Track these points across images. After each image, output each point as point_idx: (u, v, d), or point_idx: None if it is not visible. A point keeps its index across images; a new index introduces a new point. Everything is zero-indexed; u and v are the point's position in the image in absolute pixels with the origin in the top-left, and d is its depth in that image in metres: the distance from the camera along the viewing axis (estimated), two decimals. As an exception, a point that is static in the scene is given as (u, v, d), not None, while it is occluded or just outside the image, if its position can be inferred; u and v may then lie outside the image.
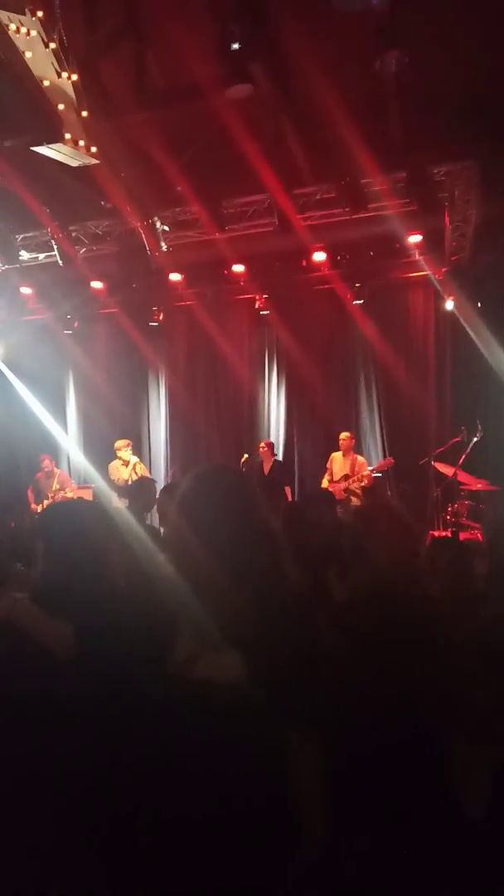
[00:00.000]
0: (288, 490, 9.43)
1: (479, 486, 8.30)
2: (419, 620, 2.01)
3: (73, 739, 1.81)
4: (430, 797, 1.99)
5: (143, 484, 5.72)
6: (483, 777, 1.95)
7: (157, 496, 5.21)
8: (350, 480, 8.81)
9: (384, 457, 10.03)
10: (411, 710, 1.93)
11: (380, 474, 9.31)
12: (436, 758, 2.01)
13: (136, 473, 8.83)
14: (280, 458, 10.14)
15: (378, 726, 1.95)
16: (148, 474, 8.96)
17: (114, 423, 11.10)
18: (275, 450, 9.86)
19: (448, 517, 8.27)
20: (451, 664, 1.99)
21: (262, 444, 9.69)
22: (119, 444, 9.15)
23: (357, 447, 9.66)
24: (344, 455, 9.04)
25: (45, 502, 9.42)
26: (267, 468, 9.44)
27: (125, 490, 8.50)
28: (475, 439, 8.38)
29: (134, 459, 9.03)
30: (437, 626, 2.05)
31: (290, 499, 9.38)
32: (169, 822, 1.51)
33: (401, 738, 1.94)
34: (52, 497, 9.44)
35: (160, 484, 6.97)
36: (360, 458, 9.15)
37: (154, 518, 5.97)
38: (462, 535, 7.60)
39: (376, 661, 1.99)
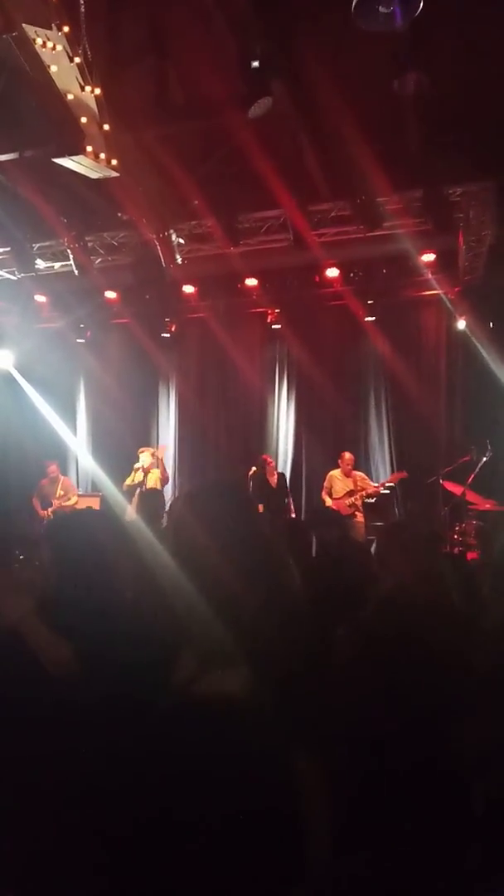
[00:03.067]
0: (291, 503, 9.45)
1: (488, 506, 8.27)
2: (436, 636, 2.01)
3: (78, 752, 1.81)
4: (442, 816, 1.97)
5: (149, 495, 5.73)
6: (500, 795, 1.93)
7: (164, 507, 5.22)
8: (356, 496, 8.82)
9: (392, 471, 10.03)
10: (425, 727, 1.92)
11: (388, 491, 9.30)
12: (450, 776, 2.00)
13: (142, 476, 8.85)
14: (288, 469, 10.19)
15: (389, 742, 1.94)
16: (158, 482, 8.93)
17: (123, 432, 11.14)
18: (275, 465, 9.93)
19: (456, 536, 8.23)
20: (470, 681, 1.98)
21: (268, 458, 9.73)
22: (140, 451, 9.20)
23: (365, 463, 9.67)
24: (345, 475, 9.04)
25: (50, 509, 9.47)
26: (273, 482, 9.48)
27: (128, 493, 8.60)
28: (484, 459, 8.35)
29: (144, 464, 9.01)
30: (455, 641, 2.05)
31: (293, 511, 9.42)
32: (173, 836, 1.51)
33: (414, 755, 1.93)
34: (57, 503, 9.48)
35: (167, 493, 6.99)
36: (359, 473, 9.16)
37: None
38: (469, 555, 7.56)
39: (390, 677, 1.98)
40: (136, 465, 9.00)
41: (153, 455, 9.13)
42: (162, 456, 9.23)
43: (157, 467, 9.04)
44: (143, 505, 5.35)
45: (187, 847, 1.48)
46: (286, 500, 9.32)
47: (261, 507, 8.74)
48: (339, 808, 1.65)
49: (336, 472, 9.12)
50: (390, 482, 9.22)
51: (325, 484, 9.19)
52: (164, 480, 9.15)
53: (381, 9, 4.37)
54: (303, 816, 1.52)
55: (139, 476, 8.88)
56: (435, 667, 1.98)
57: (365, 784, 1.93)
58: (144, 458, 9.02)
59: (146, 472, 8.91)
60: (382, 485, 9.07)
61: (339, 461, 9.12)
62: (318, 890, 1.54)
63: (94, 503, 9.69)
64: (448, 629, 2.09)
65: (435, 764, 1.94)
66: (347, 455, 9.12)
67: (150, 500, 5.40)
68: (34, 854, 1.84)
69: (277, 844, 1.49)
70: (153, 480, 8.96)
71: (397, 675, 1.91)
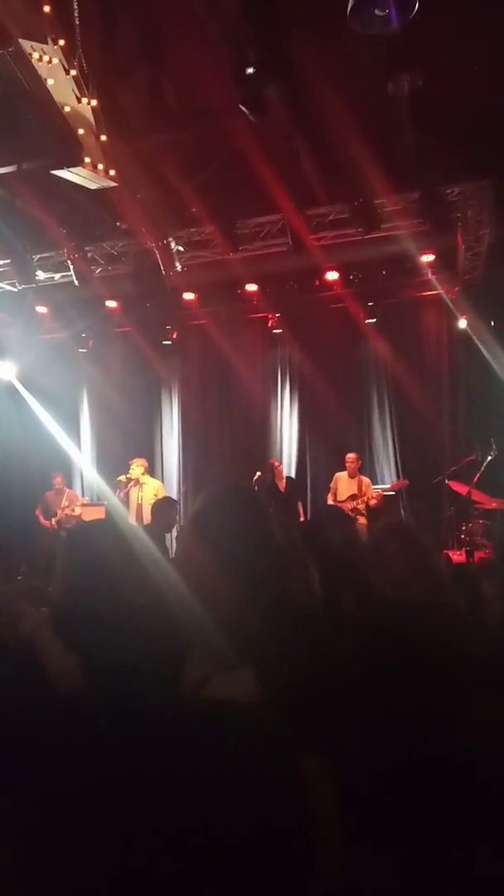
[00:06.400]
0: (301, 506, 9.44)
1: (494, 505, 8.25)
2: (442, 638, 2.00)
3: (84, 760, 1.81)
4: (450, 820, 1.97)
5: (167, 504, 5.73)
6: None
7: (177, 516, 5.22)
8: (358, 501, 8.80)
9: (397, 475, 10.02)
10: (431, 731, 1.91)
11: (392, 493, 9.29)
12: (458, 779, 1.99)
13: (127, 485, 8.93)
14: (293, 475, 10.15)
15: (396, 746, 1.94)
16: (159, 492, 8.96)
17: (127, 441, 11.17)
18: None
19: (462, 536, 8.22)
20: (476, 683, 1.97)
21: (276, 463, 9.74)
22: (131, 461, 9.26)
23: (370, 465, 9.66)
24: (350, 476, 9.03)
25: (54, 519, 9.50)
26: (282, 486, 9.48)
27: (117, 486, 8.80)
28: (489, 458, 8.34)
29: (134, 474, 9.06)
30: (462, 644, 2.04)
31: (302, 514, 9.39)
32: (180, 844, 1.50)
33: (420, 759, 1.92)
34: (62, 513, 9.50)
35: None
36: (365, 479, 9.14)
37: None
38: (477, 555, 7.55)
39: (395, 679, 1.98)
40: (127, 475, 9.09)
41: (133, 463, 9.19)
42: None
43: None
44: (159, 513, 5.34)
45: (196, 858, 1.47)
46: (296, 505, 9.28)
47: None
48: (350, 813, 1.65)
49: (342, 474, 9.11)
50: (391, 491, 9.20)
51: (331, 485, 9.18)
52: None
53: (376, 12, 4.38)
54: (313, 825, 1.51)
55: (125, 480, 8.99)
56: (437, 667, 1.98)
57: (374, 788, 1.93)
58: (135, 468, 9.08)
59: (139, 482, 8.96)
60: (382, 493, 9.05)
61: (345, 461, 9.11)
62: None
63: (99, 513, 9.71)
64: (449, 630, 2.08)
65: (443, 765, 1.94)
66: (350, 455, 9.11)
67: (165, 509, 5.40)
68: (42, 869, 1.84)
69: (287, 854, 1.48)
70: (153, 490, 8.97)
71: (400, 678, 1.91)
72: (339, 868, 1.54)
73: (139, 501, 8.92)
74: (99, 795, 1.75)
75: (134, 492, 9.06)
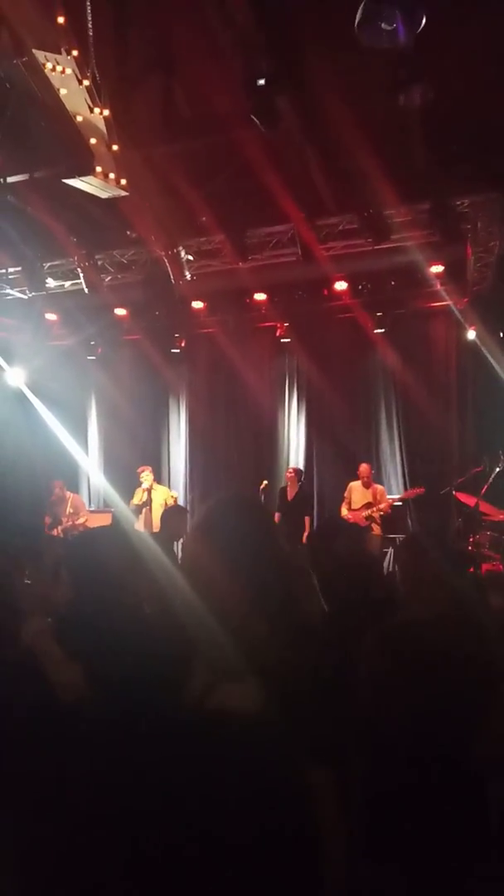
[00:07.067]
0: (307, 520, 9.39)
1: (502, 517, 8.21)
2: (454, 650, 1.99)
3: (90, 767, 1.80)
4: (457, 829, 1.95)
5: (175, 512, 5.71)
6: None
7: (187, 524, 5.20)
8: (373, 509, 8.80)
9: (404, 485, 10.00)
10: (439, 740, 1.90)
11: (399, 503, 9.27)
12: (465, 791, 1.97)
13: (147, 497, 8.86)
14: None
15: (404, 756, 1.92)
16: (169, 500, 8.95)
17: (134, 448, 11.18)
18: (301, 477, 9.83)
19: (470, 548, 8.17)
20: (487, 695, 1.96)
21: (290, 470, 9.72)
22: (139, 469, 9.23)
23: (377, 475, 9.63)
24: (364, 486, 9.03)
25: (59, 527, 9.47)
26: (291, 494, 9.45)
27: (135, 512, 8.67)
28: (497, 469, 8.30)
29: (145, 485, 9.03)
30: (473, 654, 2.03)
31: (307, 529, 9.35)
32: (184, 851, 1.50)
33: (427, 769, 1.91)
34: (67, 521, 9.48)
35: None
36: (380, 487, 9.14)
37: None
38: (484, 567, 7.50)
39: (404, 691, 1.96)
40: (144, 486, 9.00)
41: (144, 471, 9.16)
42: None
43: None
44: (169, 521, 5.32)
45: (200, 866, 1.46)
46: (303, 517, 9.24)
47: (277, 517, 8.73)
48: (356, 822, 1.63)
49: (356, 484, 9.12)
50: (407, 497, 9.19)
51: (345, 494, 9.18)
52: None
53: (383, 26, 4.38)
54: (317, 834, 1.50)
55: (144, 496, 8.90)
56: (455, 680, 1.96)
57: (380, 799, 1.91)
58: (146, 476, 9.05)
59: (149, 490, 8.93)
60: (396, 500, 9.04)
61: (358, 474, 9.10)
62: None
63: (106, 520, 9.69)
64: (471, 644, 2.07)
65: (453, 777, 1.92)
66: (363, 467, 9.13)
67: (175, 516, 5.38)
68: (49, 875, 1.83)
69: (292, 862, 1.47)
70: (162, 497, 8.96)
71: (419, 691, 1.90)
72: (344, 877, 1.53)
73: (149, 508, 8.89)
74: (103, 802, 1.74)
75: (138, 496, 9.03)
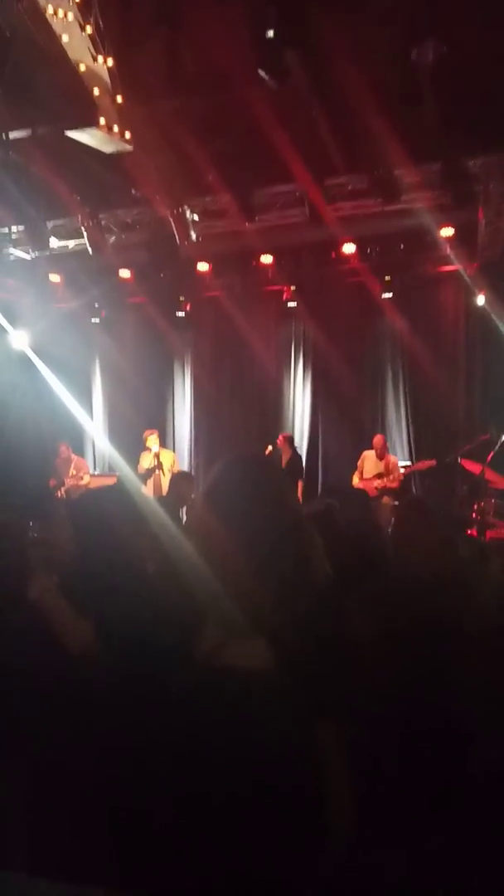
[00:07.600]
0: (300, 484, 9.38)
1: (508, 484, 8.18)
2: (453, 611, 1.98)
3: (97, 726, 1.80)
4: (457, 788, 1.96)
5: (183, 477, 5.71)
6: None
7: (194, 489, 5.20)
8: (385, 480, 8.79)
9: (410, 452, 9.98)
10: (441, 701, 1.90)
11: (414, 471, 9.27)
12: (465, 748, 1.98)
13: (157, 462, 8.82)
14: (301, 451, 10.10)
15: (407, 716, 1.93)
16: (174, 465, 8.94)
17: (139, 412, 11.13)
18: (293, 443, 9.78)
19: (475, 515, 8.17)
20: (486, 654, 1.95)
21: (281, 437, 9.67)
22: (146, 433, 9.18)
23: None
24: (378, 457, 9.00)
25: (63, 488, 9.50)
26: (284, 460, 9.43)
27: (143, 477, 8.61)
28: (504, 438, 8.26)
29: (155, 449, 8.99)
30: (471, 616, 2.02)
31: (299, 494, 9.33)
32: (191, 811, 1.50)
33: (430, 729, 1.91)
34: (69, 482, 9.51)
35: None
36: (393, 457, 9.13)
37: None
38: (489, 534, 7.51)
39: (408, 650, 1.96)
40: (153, 450, 8.95)
41: (151, 434, 9.11)
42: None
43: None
44: (177, 485, 5.32)
45: (207, 823, 1.46)
46: (296, 481, 9.19)
47: None
48: (362, 781, 1.64)
49: (369, 453, 9.10)
50: (417, 469, 9.17)
51: (358, 463, 9.17)
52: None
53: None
54: (325, 791, 1.50)
55: (154, 460, 8.86)
56: (445, 640, 1.96)
57: (384, 756, 1.92)
58: (153, 440, 9.01)
59: (158, 455, 8.90)
60: (409, 470, 9.02)
61: (373, 445, 9.06)
62: (342, 870, 1.52)
63: (110, 483, 9.69)
64: (461, 604, 2.06)
65: (439, 736, 1.93)
66: (377, 437, 9.09)
67: (183, 481, 5.38)
68: (53, 834, 1.84)
69: (298, 820, 1.47)
70: (169, 461, 8.93)
71: (406, 651, 1.89)
72: (349, 836, 1.54)
73: (160, 472, 8.86)
74: (110, 758, 1.75)
75: (147, 460, 9.00)
